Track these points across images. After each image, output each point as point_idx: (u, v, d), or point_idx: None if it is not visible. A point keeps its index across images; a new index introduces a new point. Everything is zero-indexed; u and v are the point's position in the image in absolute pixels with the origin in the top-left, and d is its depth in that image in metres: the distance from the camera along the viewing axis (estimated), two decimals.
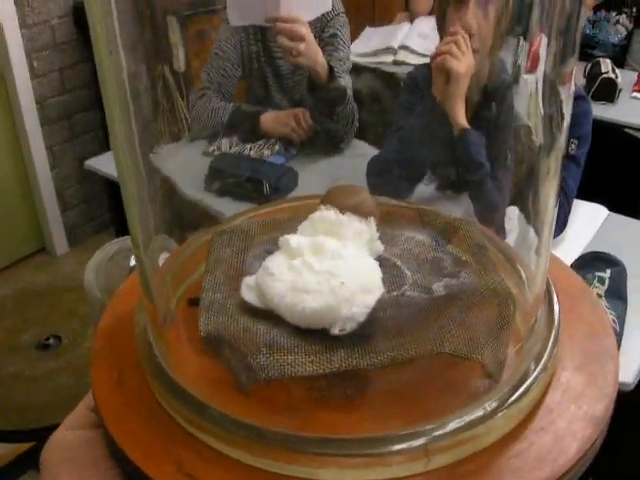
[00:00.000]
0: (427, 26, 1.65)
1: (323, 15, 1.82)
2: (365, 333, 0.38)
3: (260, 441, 0.36)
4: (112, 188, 2.19)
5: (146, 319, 0.44)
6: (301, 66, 1.76)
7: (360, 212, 0.43)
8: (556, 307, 0.43)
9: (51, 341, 0.88)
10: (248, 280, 0.41)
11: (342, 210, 0.43)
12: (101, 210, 3.24)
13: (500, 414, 0.37)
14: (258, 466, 0.36)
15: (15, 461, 0.86)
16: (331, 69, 1.70)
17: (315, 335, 0.38)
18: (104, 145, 2.96)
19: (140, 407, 0.41)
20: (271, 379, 0.37)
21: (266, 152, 1.97)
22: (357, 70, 1.90)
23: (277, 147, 2.00)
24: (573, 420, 0.39)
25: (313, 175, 1.79)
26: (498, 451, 0.37)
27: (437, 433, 0.36)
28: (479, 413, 0.37)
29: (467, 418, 0.37)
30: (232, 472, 0.37)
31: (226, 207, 1.72)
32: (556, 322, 0.42)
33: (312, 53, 1.66)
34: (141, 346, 0.42)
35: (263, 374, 0.37)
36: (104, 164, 2.16)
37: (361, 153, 1.70)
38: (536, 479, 0.36)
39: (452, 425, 0.36)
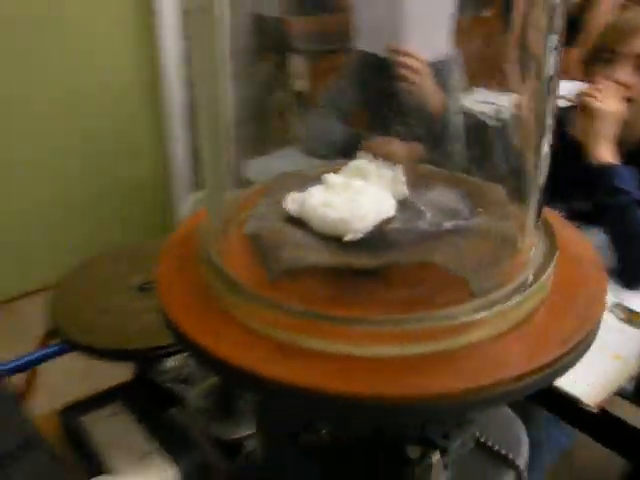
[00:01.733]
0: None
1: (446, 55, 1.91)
2: (374, 243, 0.46)
3: (284, 314, 0.44)
4: None
5: (207, 229, 0.54)
6: (414, 95, 1.86)
7: (390, 160, 0.51)
8: (551, 245, 0.49)
9: (152, 285, 1.01)
10: (293, 195, 0.50)
11: (376, 157, 0.51)
12: None
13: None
14: (281, 338, 0.45)
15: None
16: (444, 104, 1.78)
17: (332, 242, 0.46)
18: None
19: (192, 287, 0.50)
20: (293, 268, 0.46)
21: None
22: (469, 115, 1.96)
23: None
24: (554, 330, 0.45)
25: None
26: (486, 344, 0.44)
27: (425, 320, 0.43)
28: (470, 313, 0.44)
29: (458, 313, 0.44)
30: (260, 342, 0.45)
31: None
32: (552, 254, 0.48)
33: (425, 85, 1.76)
34: (200, 245, 0.52)
35: (285, 265, 0.46)
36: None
37: None
38: (516, 368, 0.42)
39: (444, 319, 0.43)
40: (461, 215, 0.51)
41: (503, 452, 0.50)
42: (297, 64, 2.79)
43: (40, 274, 2.29)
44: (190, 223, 0.60)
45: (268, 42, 2.89)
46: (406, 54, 1.74)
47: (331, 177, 0.50)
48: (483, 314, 0.44)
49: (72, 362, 1.04)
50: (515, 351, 0.44)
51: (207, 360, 0.45)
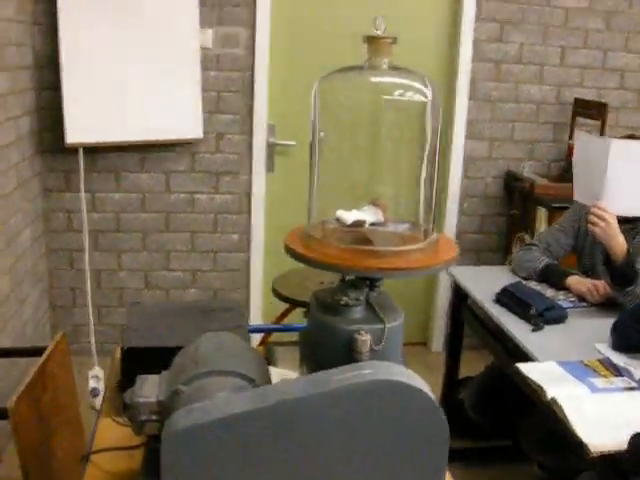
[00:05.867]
0: None
1: None
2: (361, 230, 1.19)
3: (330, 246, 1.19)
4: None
5: (308, 226, 1.31)
6: (599, 240, 2.39)
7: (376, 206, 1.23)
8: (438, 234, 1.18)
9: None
10: (339, 211, 1.25)
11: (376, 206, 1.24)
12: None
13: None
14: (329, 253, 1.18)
15: None
16: (629, 253, 2.28)
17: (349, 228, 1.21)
18: None
19: (298, 240, 1.27)
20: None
21: (561, 297, 2.57)
22: None
23: (572, 298, 2.58)
24: (436, 258, 1.14)
25: (582, 322, 2.36)
26: (414, 258, 1.12)
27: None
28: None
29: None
30: (319, 254, 1.21)
31: (499, 313, 2.42)
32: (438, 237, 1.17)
33: (610, 234, 2.30)
34: (303, 230, 1.30)
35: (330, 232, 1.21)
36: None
37: None
38: (422, 263, 1.12)
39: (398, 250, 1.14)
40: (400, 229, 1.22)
41: (380, 314, 1.15)
42: (540, 212, 3.41)
43: None
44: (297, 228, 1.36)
45: (516, 193, 3.57)
46: (596, 206, 2.32)
47: (352, 211, 1.24)
48: (412, 247, 1.14)
49: None
50: (422, 260, 1.12)
51: (298, 258, 1.19)
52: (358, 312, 1.16)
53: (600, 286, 2.55)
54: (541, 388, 1.85)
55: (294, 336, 2.07)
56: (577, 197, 2.61)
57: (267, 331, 2.05)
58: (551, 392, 1.81)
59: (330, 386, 1.02)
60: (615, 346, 2.13)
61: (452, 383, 3.06)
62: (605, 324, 2.31)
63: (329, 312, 1.18)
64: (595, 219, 2.43)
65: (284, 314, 2.32)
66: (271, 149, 3.79)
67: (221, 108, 3.64)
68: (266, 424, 1.00)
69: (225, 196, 3.77)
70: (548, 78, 3.91)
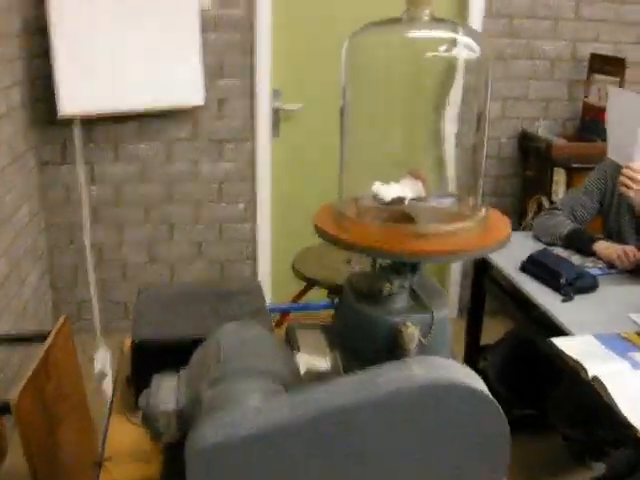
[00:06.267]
0: None
1: None
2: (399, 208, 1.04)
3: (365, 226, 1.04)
4: None
5: (339, 202, 1.16)
6: (629, 201, 2.26)
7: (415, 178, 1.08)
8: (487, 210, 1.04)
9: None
10: (376, 185, 1.11)
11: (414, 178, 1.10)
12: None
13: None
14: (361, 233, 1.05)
15: None
16: None
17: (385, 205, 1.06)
18: None
19: (329, 218, 1.13)
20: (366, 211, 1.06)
21: (589, 264, 2.44)
22: None
23: (601, 265, 2.45)
24: (487, 237, 0.99)
25: (613, 290, 2.24)
26: (463, 237, 0.98)
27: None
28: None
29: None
30: (352, 235, 1.06)
31: (525, 282, 2.29)
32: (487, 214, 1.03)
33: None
34: (334, 206, 1.15)
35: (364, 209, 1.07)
36: None
37: None
38: (472, 246, 0.98)
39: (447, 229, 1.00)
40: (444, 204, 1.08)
41: (426, 301, 1.02)
42: (558, 173, 3.26)
43: None
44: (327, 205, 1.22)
45: (532, 154, 3.42)
46: (629, 167, 2.18)
47: (390, 185, 1.09)
48: (461, 226, 1.00)
49: None
50: (474, 241, 0.99)
51: (332, 240, 1.04)
52: (401, 300, 1.02)
53: (630, 252, 2.41)
54: (581, 365, 1.72)
55: (313, 315, 1.96)
56: (610, 154, 2.47)
57: (287, 311, 1.92)
58: (592, 370, 1.69)
59: (379, 391, 0.89)
60: None
61: (473, 354, 2.95)
62: (637, 291, 2.19)
63: (367, 301, 1.04)
64: (628, 181, 2.28)
65: (302, 292, 2.18)
66: (276, 114, 3.62)
67: (222, 72, 3.46)
68: (306, 437, 0.87)
69: (229, 164, 3.62)
70: (562, 33, 3.72)
